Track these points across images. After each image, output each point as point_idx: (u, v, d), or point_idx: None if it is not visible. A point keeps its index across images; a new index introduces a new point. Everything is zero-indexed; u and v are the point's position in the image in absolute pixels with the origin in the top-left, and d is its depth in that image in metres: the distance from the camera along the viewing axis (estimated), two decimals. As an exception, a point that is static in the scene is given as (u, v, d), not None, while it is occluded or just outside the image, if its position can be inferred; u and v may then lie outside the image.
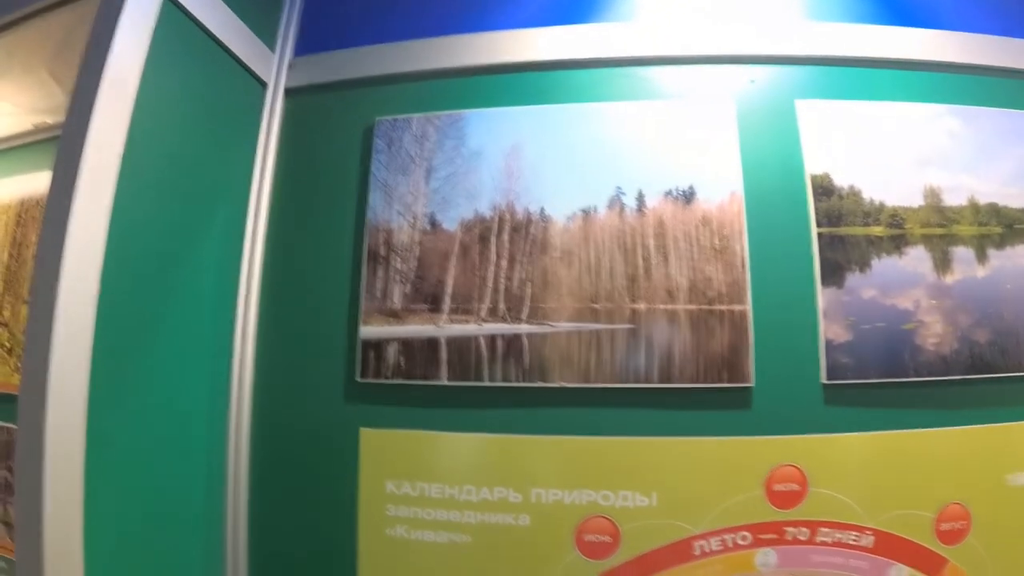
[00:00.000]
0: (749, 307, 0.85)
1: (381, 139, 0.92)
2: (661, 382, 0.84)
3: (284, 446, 0.89)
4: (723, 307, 0.85)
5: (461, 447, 0.86)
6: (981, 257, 0.90)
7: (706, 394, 0.85)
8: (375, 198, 0.90)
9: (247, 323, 0.90)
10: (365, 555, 0.87)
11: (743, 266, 0.86)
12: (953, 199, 0.91)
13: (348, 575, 0.88)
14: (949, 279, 0.89)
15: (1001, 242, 0.91)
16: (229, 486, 0.87)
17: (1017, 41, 0.96)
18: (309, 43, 1.01)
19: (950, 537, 0.87)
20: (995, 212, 0.92)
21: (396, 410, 0.87)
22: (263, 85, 0.97)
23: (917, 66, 0.94)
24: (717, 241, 0.86)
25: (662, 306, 0.85)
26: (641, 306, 0.85)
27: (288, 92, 0.99)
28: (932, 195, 0.90)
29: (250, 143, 0.94)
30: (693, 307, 0.85)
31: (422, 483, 0.86)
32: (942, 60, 0.94)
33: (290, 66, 1.00)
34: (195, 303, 0.83)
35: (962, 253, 0.90)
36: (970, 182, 0.91)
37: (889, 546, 0.86)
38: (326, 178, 0.94)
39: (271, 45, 0.99)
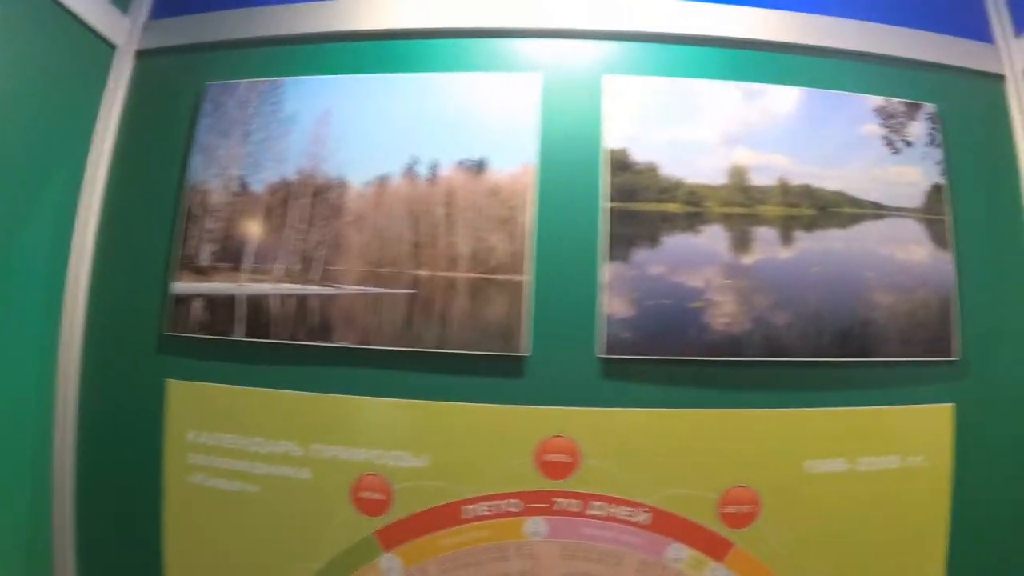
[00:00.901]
0: (528, 277, 0.87)
1: (209, 103, 0.98)
2: (437, 347, 0.87)
3: (107, 395, 0.95)
4: (503, 276, 0.87)
5: (252, 401, 0.90)
6: (786, 239, 0.89)
7: (481, 361, 0.87)
8: (196, 160, 0.96)
9: (79, 279, 0.96)
10: (169, 500, 0.92)
11: (527, 237, 0.87)
12: (761, 179, 0.90)
13: (155, 519, 0.93)
14: (747, 259, 0.88)
15: (811, 224, 0.90)
16: (57, 431, 0.94)
17: (840, 20, 0.95)
18: (165, 6, 1.06)
19: (736, 520, 0.87)
20: (808, 194, 0.91)
21: (198, 363, 0.93)
22: (113, 48, 1.03)
23: (733, 44, 0.94)
24: (504, 211, 0.88)
25: (443, 273, 0.87)
26: (423, 272, 0.88)
27: (139, 55, 1.04)
28: (737, 174, 0.90)
29: (95, 106, 1.01)
30: (473, 275, 0.87)
31: (219, 434, 0.91)
32: (761, 38, 0.94)
33: (144, 28, 1.05)
34: (30, 259, 0.90)
35: (765, 233, 0.89)
36: (783, 163, 0.91)
37: (667, 524, 0.87)
38: (160, 140, 0.99)
39: (124, 7, 1.04)
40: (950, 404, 0.91)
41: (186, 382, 0.91)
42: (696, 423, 0.86)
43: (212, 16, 1.00)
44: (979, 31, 1.01)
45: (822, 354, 0.87)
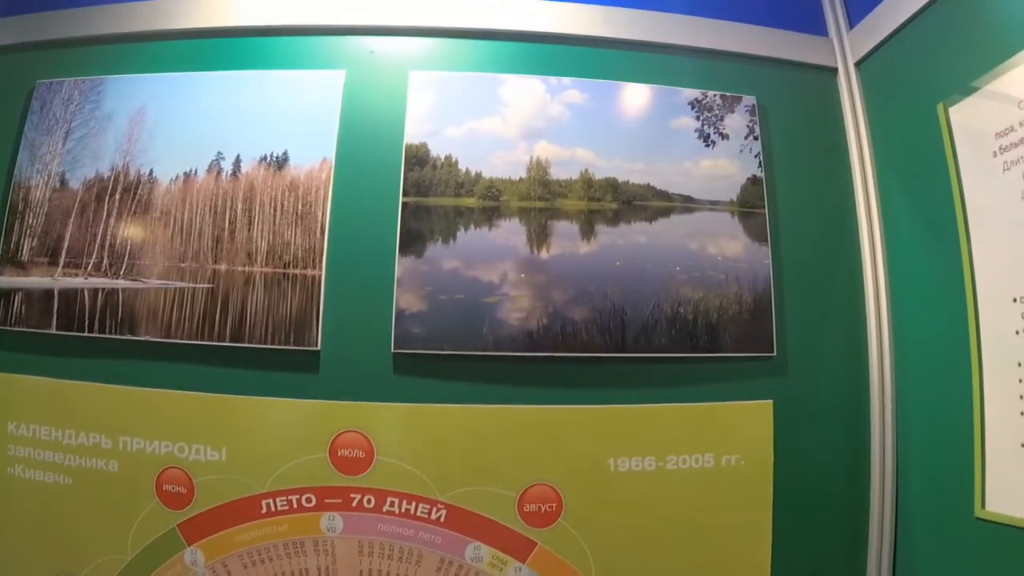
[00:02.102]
0: (322, 272, 0.89)
1: (36, 101, 1.01)
2: (233, 341, 0.89)
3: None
4: (297, 271, 0.89)
5: (64, 393, 0.93)
6: (587, 232, 0.90)
7: (275, 355, 0.89)
8: (23, 157, 0.99)
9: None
10: (-11, 490, 0.95)
11: (322, 232, 0.90)
12: (563, 173, 0.92)
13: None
14: (544, 254, 0.90)
15: (615, 218, 0.91)
16: None
17: (652, 14, 0.96)
18: (11, 5, 1.11)
19: (537, 519, 0.88)
20: (612, 187, 0.92)
21: (18, 356, 0.96)
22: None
23: (541, 39, 0.95)
24: (300, 206, 0.90)
25: (241, 268, 0.90)
26: (222, 267, 0.90)
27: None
28: (538, 168, 0.91)
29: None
30: (269, 270, 0.89)
31: (35, 425, 0.94)
32: (568, 32, 0.95)
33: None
34: None
35: (565, 228, 0.91)
36: (587, 156, 0.92)
37: (464, 523, 0.88)
38: None
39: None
40: (769, 400, 0.91)
41: (5, 374, 0.94)
42: (492, 419, 0.87)
43: (44, 15, 1.03)
44: (813, 25, 1.01)
45: (625, 350, 0.88)
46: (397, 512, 0.86)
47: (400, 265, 0.87)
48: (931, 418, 0.87)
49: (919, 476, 0.90)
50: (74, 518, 0.91)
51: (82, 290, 0.91)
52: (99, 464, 0.90)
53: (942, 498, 0.87)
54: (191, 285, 0.88)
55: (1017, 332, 0.74)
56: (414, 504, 0.86)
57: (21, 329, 0.93)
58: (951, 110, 0.81)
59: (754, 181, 0.92)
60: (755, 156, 0.93)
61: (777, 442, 0.91)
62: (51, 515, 0.92)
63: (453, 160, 0.89)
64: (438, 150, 0.90)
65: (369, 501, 0.86)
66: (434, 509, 0.86)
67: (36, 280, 0.92)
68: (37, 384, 0.92)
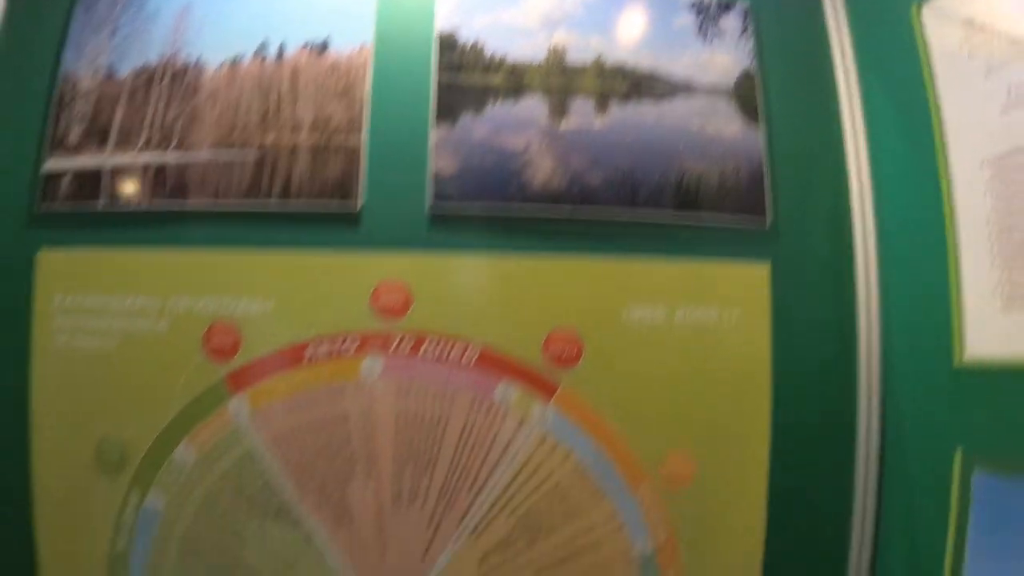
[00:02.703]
0: (363, 141, 1.00)
1: (81, 5, 1.12)
2: (281, 204, 0.99)
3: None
4: (340, 140, 1.00)
5: (115, 261, 1.00)
6: (601, 110, 1.03)
7: (319, 214, 0.99)
8: (68, 53, 1.08)
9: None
10: (36, 364, 1.02)
11: (362, 106, 1.01)
12: (579, 58, 1.05)
13: (22, 383, 1.03)
14: (564, 126, 1.02)
15: (625, 99, 1.04)
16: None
17: None
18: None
19: (560, 361, 0.98)
20: (622, 72, 1.05)
21: (68, 234, 1.03)
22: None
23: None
24: (342, 85, 1.01)
25: (286, 139, 1.00)
26: (268, 139, 1.01)
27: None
28: (556, 53, 1.05)
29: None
30: (313, 140, 1.00)
31: (82, 295, 1.01)
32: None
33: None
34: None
35: (581, 105, 1.03)
36: (600, 44, 1.05)
37: (494, 363, 0.97)
38: (36, 37, 1.13)
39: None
40: (766, 263, 1.03)
41: (55, 251, 1.01)
42: (518, 269, 0.97)
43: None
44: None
45: (636, 212, 1.00)
46: (433, 355, 0.95)
47: (434, 134, 0.98)
48: (911, 277, 1.00)
49: (902, 332, 1.01)
50: (120, 380, 0.98)
51: (131, 166, 1.00)
52: (147, 325, 0.98)
53: (925, 352, 0.98)
54: (240, 157, 0.98)
55: (984, 193, 0.86)
56: (449, 347, 0.95)
57: (70, 207, 1.01)
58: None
59: (747, 73, 1.06)
60: (748, 52, 1.07)
61: (773, 301, 1.02)
62: (97, 380, 0.98)
63: (480, 46, 1.02)
64: (466, 37, 1.02)
65: (407, 345, 0.95)
66: (467, 351, 0.95)
67: (85, 160, 1.01)
68: (85, 256, 1.00)
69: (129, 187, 0.98)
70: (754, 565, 1.00)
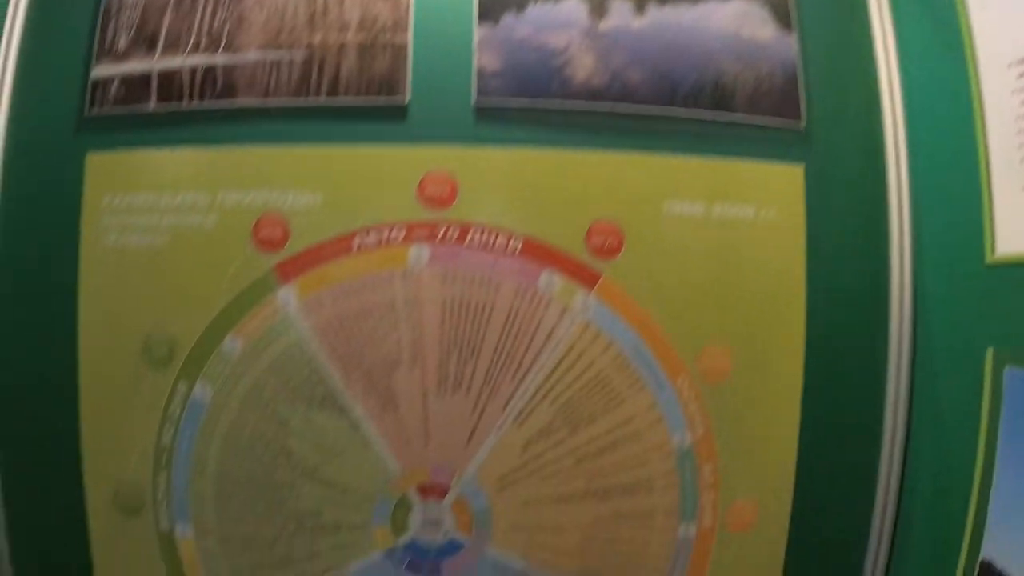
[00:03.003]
0: (409, 39, 1.03)
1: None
2: (329, 100, 1.02)
3: (29, 178, 1.08)
4: (387, 38, 1.03)
5: (164, 160, 1.03)
6: (640, 11, 1.06)
7: (367, 108, 1.02)
8: (115, -35, 1.12)
9: (4, 75, 1.11)
10: (85, 263, 1.05)
11: (407, 7, 1.04)
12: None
13: (71, 281, 1.06)
14: (604, 25, 1.05)
15: (663, 2, 1.08)
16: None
17: None
18: None
19: (602, 252, 1.00)
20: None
21: (117, 136, 1.06)
22: None
23: None
24: None
25: (334, 38, 1.04)
26: (317, 38, 1.04)
27: None
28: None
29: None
30: (360, 38, 1.03)
31: (132, 194, 1.04)
32: None
33: None
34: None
35: (620, 6, 1.07)
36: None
37: (539, 253, 1.00)
38: None
39: None
40: (801, 165, 1.07)
41: (104, 153, 1.04)
42: (562, 162, 1.00)
43: None
44: None
45: (675, 109, 1.03)
46: (478, 243, 0.98)
47: (478, 33, 1.01)
48: (942, 177, 1.03)
49: (933, 232, 1.04)
50: (169, 276, 1.00)
51: (180, 69, 1.03)
52: (196, 221, 1.00)
53: (956, 251, 1.01)
54: (286, 57, 1.01)
55: (1012, 92, 0.88)
56: (494, 236, 0.98)
57: (119, 110, 1.04)
58: None
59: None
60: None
61: (808, 201, 1.05)
62: (146, 276, 1.01)
63: (521, -51, 1.05)
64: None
65: (453, 233, 0.98)
66: (511, 240, 0.98)
67: (133, 65, 1.04)
68: (133, 157, 1.03)
69: (177, 89, 1.01)
70: (788, 461, 1.02)
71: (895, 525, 1.05)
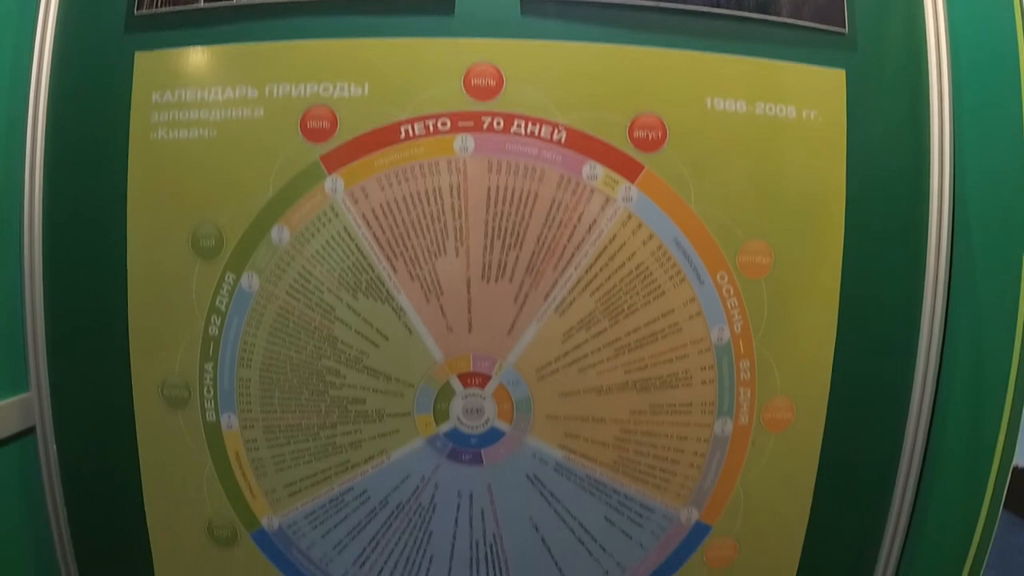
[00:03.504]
0: None
1: None
2: None
3: (78, 76, 1.11)
4: None
5: (213, 56, 1.05)
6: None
7: (415, 1, 1.03)
8: None
9: None
10: (134, 159, 1.07)
11: None
12: None
13: (120, 177, 1.08)
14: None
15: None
16: (30, 112, 1.08)
17: None
18: None
19: (645, 145, 1.02)
20: None
21: (165, 34, 1.08)
22: None
23: None
24: None
25: None
26: None
27: None
28: None
29: None
30: None
31: (180, 89, 1.06)
32: None
33: None
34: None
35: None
36: None
37: (582, 143, 1.01)
38: None
39: None
40: (843, 70, 1.07)
41: (152, 51, 1.07)
42: (607, 55, 1.01)
43: None
44: None
45: (719, 8, 1.04)
46: (523, 133, 0.99)
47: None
48: (983, 84, 1.06)
49: (974, 140, 1.06)
50: (217, 168, 1.02)
51: (231, -36, 1.05)
52: (245, 113, 1.02)
53: (996, 157, 1.03)
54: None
55: None
56: (538, 126, 0.99)
57: (167, 9, 1.06)
58: None
59: None
60: None
61: (849, 105, 1.06)
62: (194, 169, 1.03)
63: None
64: None
65: (499, 124, 0.99)
66: (555, 131, 0.99)
67: (185, -38, 1.06)
68: (182, 54, 1.05)
69: (227, -14, 1.02)
70: (825, 361, 1.04)
71: (930, 428, 1.05)
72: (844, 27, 1.04)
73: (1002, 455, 1.03)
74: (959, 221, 1.04)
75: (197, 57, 1.03)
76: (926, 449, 1.06)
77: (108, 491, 1.09)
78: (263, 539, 1.06)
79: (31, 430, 1.09)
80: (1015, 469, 1.07)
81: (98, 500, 1.10)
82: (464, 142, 0.97)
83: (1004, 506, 0.99)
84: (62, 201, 1.07)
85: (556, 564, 1.05)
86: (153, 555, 1.09)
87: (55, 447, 1.08)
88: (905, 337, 1.04)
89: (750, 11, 1.03)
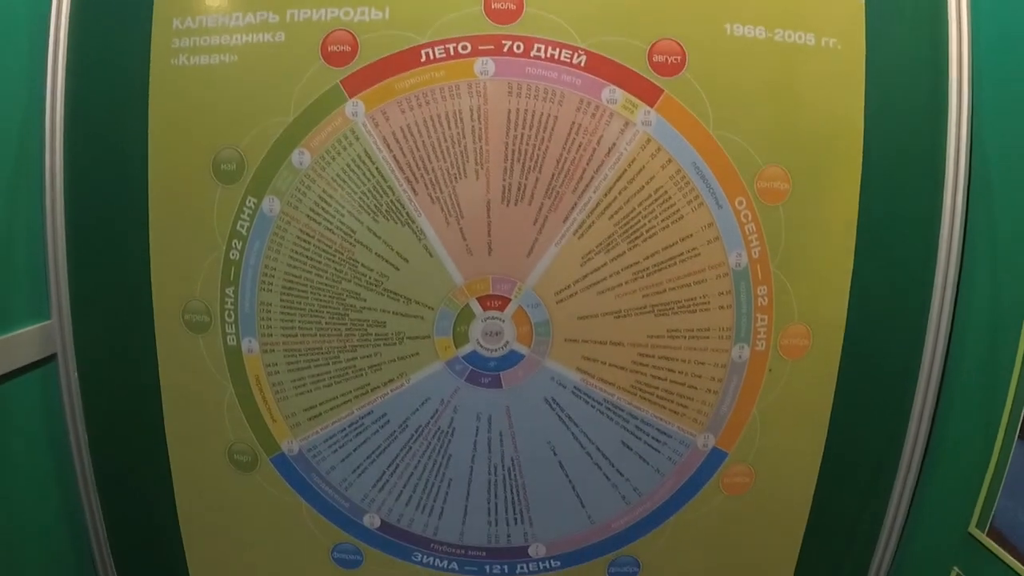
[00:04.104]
0: None
1: None
2: None
3: (94, 6, 1.11)
4: None
5: (234, -20, 1.06)
6: None
7: None
8: None
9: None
10: (155, 83, 1.08)
11: None
12: None
13: (141, 102, 1.09)
14: None
15: None
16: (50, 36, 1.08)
17: None
18: None
19: (664, 69, 1.02)
20: None
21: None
22: None
23: None
24: None
25: None
26: None
27: None
28: None
29: None
30: None
31: (200, 16, 1.07)
32: None
33: None
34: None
35: None
36: None
37: (602, 67, 1.01)
38: None
39: None
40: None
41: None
42: (626, -21, 1.01)
43: None
44: None
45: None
46: (543, 56, 0.99)
47: None
48: (1002, 15, 1.05)
49: (992, 70, 1.06)
50: (238, 91, 1.03)
51: None
52: (265, 37, 1.03)
53: (1015, 83, 1.02)
54: None
55: None
56: (558, 50, 0.99)
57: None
58: None
59: None
60: None
61: (868, 34, 1.06)
62: (214, 94, 1.03)
63: None
64: None
65: (519, 47, 0.99)
66: (575, 54, 0.99)
67: None
68: (203, -20, 1.04)
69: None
70: (842, 289, 1.04)
71: (946, 356, 1.06)
72: (862, -47, 1.03)
73: (1019, 381, 1.03)
74: (977, 150, 1.04)
75: (217, -18, 1.02)
76: (942, 376, 1.06)
77: (129, 417, 1.10)
78: (283, 463, 1.07)
79: (52, 357, 1.08)
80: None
81: (119, 426, 1.11)
82: (484, 65, 0.97)
83: (1020, 436, 0.99)
84: (83, 128, 1.07)
85: (573, 488, 1.06)
86: (174, 480, 1.10)
87: (76, 374, 1.08)
88: (922, 264, 1.05)
89: (770, -64, 1.01)
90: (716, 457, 1.06)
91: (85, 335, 1.09)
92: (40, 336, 1.07)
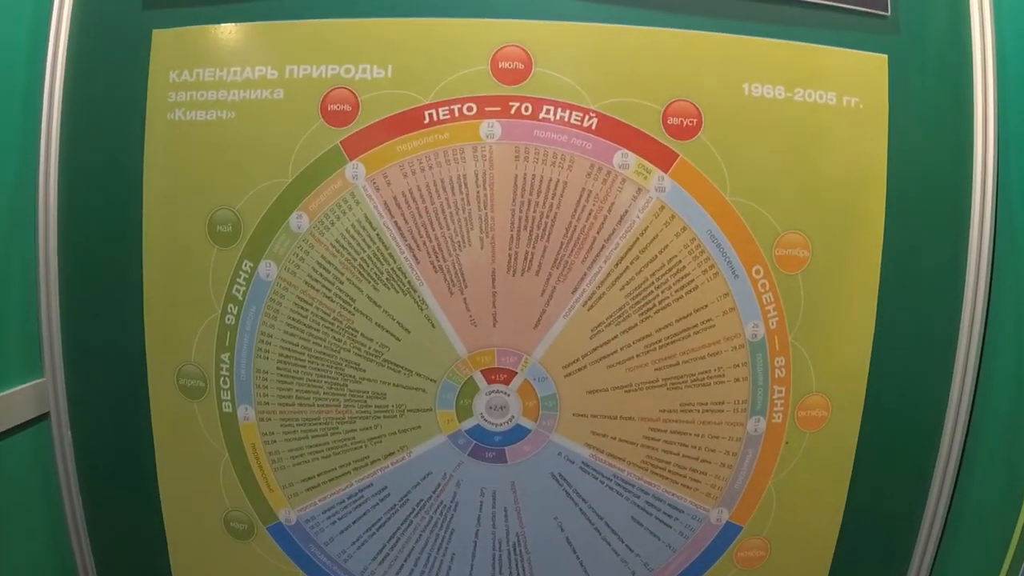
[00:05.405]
0: None
1: None
2: None
3: (94, 52, 1.05)
4: None
5: (231, 35, 0.99)
6: None
7: None
8: None
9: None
10: (150, 140, 1.01)
11: None
12: None
13: (136, 158, 1.02)
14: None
15: None
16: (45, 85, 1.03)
17: None
18: None
19: (679, 132, 0.95)
20: None
21: (182, 11, 1.02)
22: None
23: None
24: None
25: None
26: None
27: None
28: None
29: None
30: None
31: (198, 69, 1.00)
32: None
33: None
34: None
35: None
36: None
37: (614, 130, 0.95)
38: None
39: None
40: (885, 55, 1.00)
41: (170, 29, 1.00)
42: (640, 39, 0.94)
43: None
44: None
45: (754, -4, 0.96)
46: (552, 119, 0.93)
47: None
48: None
49: (1019, 126, 0.98)
50: (236, 150, 0.97)
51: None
52: (264, 94, 0.96)
53: None
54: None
55: None
56: (568, 112, 0.93)
57: (185, -15, 0.99)
58: None
59: None
60: None
61: (891, 91, 0.99)
62: (212, 151, 0.98)
63: None
64: None
65: (527, 109, 0.93)
66: (586, 117, 0.93)
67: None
68: (199, 33, 0.98)
69: (245, -38, 0.96)
70: (862, 359, 0.98)
71: (967, 430, 0.99)
72: (886, 9, 0.97)
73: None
74: (1002, 213, 0.97)
75: (216, 35, 0.97)
76: (963, 450, 0.99)
77: (123, 480, 1.06)
78: (280, 533, 1.01)
79: (46, 416, 1.03)
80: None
81: (113, 489, 1.06)
82: (490, 128, 0.90)
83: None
84: (77, 185, 1.02)
85: (581, 564, 1.00)
86: (169, 546, 1.05)
87: (69, 433, 1.02)
88: (945, 334, 0.98)
89: (790, -4, 0.94)
90: (730, 531, 0.99)
91: (79, 395, 1.04)
92: (34, 394, 1.03)
